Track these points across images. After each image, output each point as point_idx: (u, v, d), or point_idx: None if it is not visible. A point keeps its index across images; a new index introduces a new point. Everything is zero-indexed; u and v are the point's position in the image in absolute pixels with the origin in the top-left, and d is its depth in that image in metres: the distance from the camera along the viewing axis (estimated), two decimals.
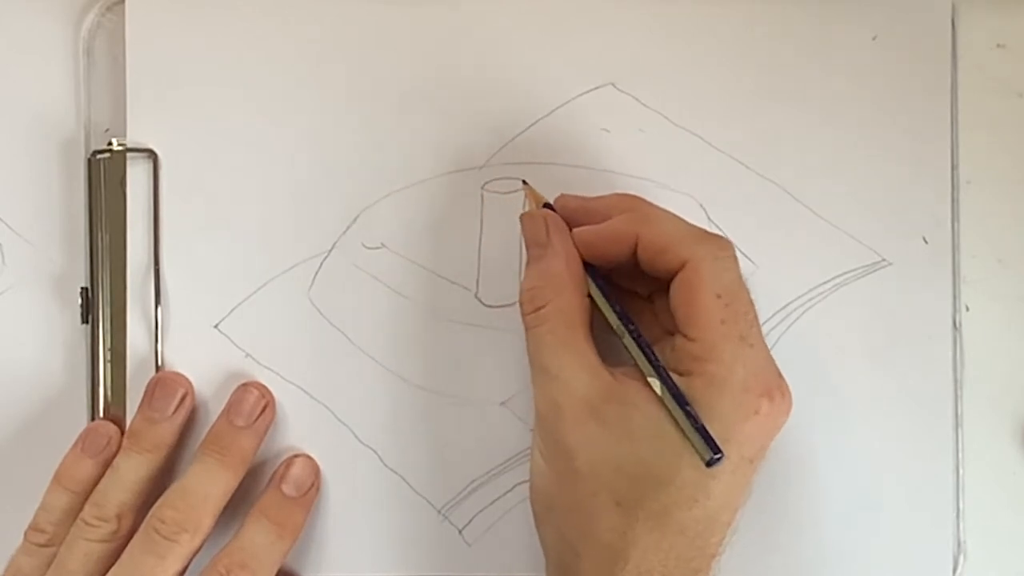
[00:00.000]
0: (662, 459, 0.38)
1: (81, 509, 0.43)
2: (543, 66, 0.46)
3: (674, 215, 0.41)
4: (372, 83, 0.46)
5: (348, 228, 0.46)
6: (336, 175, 0.46)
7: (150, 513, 0.42)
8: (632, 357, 0.39)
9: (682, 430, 0.37)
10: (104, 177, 0.46)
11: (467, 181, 0.46)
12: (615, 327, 0.40)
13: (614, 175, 0.46)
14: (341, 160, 0.46)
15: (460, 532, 0.45)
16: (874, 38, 0.46)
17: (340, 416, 0.45)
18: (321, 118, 0.46)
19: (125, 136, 0.45)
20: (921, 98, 0.46)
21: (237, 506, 0.43)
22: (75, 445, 0.44)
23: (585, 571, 0.38)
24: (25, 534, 0.43)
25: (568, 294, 0.40)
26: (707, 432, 0.37)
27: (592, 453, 0.38)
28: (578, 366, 0.39)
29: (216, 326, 0.45)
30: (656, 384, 0.38)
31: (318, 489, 0.45)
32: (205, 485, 0.42)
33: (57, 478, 0.43)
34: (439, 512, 0.45)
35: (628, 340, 0.40)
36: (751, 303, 0.39)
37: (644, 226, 0.40)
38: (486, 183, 0.46)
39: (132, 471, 0.43)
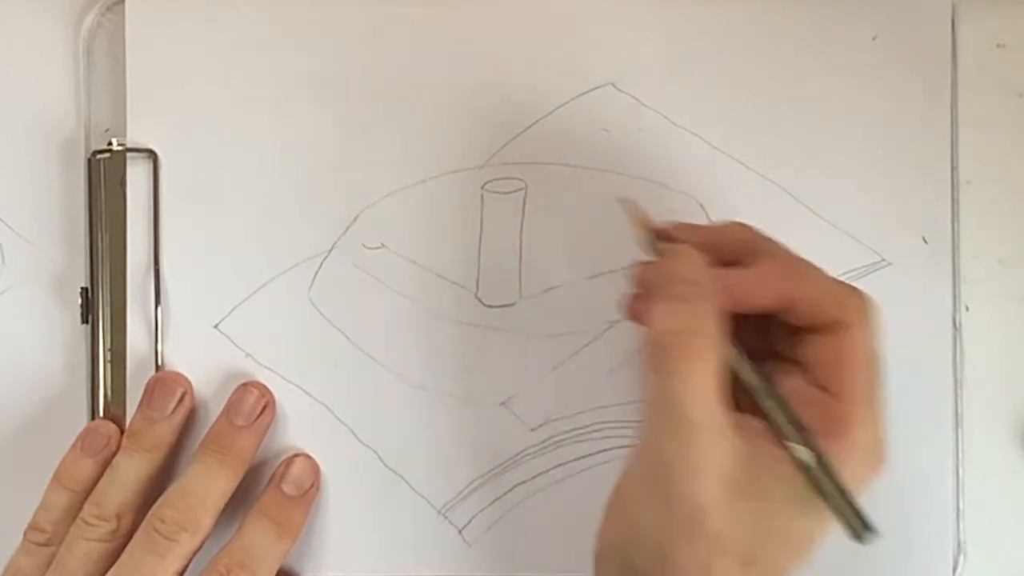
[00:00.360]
0: (798, 523, 0.36)
1: (81, 508, 0.43)
2: (543, 66, 0.46)
3: (814, 266, 0.38)
4: (372, 83, 0.46)
5: (348, 228, 0.46)
6: (336, 175, 0.46)
7: (150, 513, 0.42)
8: (771, 419, 0.37)
9: (827, 499, 0.36)
10: (104, 177, 0.46)
11: (467, 181, 0.46)
12: (753, 386, 0.37)
13: (614, 175, 0.46)
14: (341, 160, 0.46)
15: (460, 532, 0.45)
16: (874, 38, 0.46)
17: (340, 416, 0.45)
18: (321, 118, 0.46)
19: (125, 136, 0.45)
20: (921, 98, 0.46)
21: (237, 506, 0.43)
22: (75, 444, 0.44)
23: None
24: (25, 533, 0.43)
25: (721, 341, 0.37)
26: (860, 509, 0.35)
27: (725, 516, 0.35)
28: (722, 420, 0.36)
29: (216, 326, 0.45)
30: (804, 453, 0.36)
31: (318, 488, 0.45)
32: (205, 485, 0.42)
33: (57, 477, 0.44)
34: (439, 512, 0.45)
35: (769, 402, 0.37)
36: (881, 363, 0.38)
37: (798, 283, 0.38)
38: (486, 183, 0.46)
39: (131, 471, 0.43)
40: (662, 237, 0.40)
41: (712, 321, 0.37)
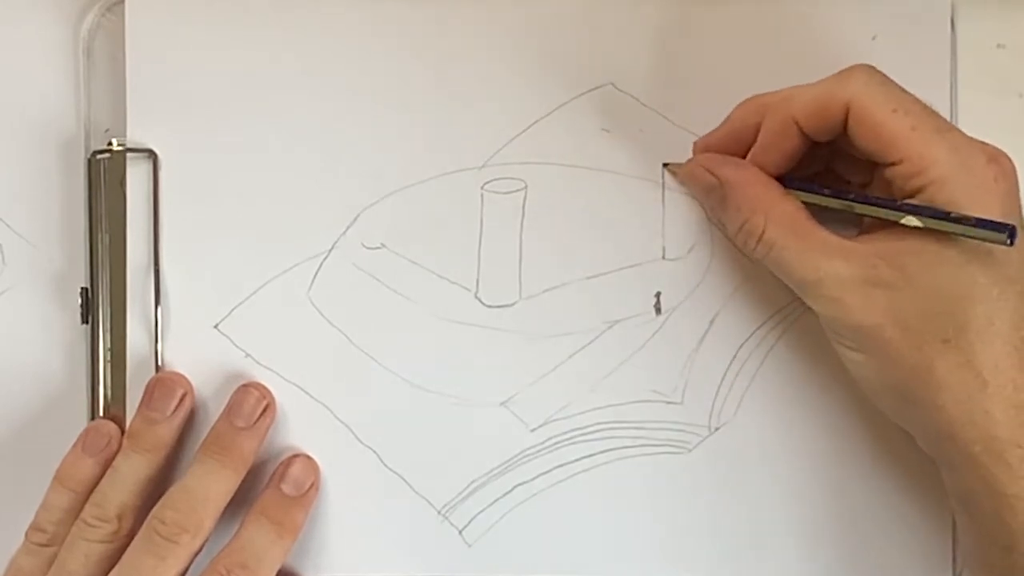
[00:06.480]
0: (952, 279, 0.38)
1: (82, 509, 0.43)
2: (543, 66, 0.46)
3: (800, 86, 0.41)
4: (372, 83, 0.46)
5: (348, 228, 0.46)
6: (336, 175, 0.46)
7: (151, 514, 0.42)
8: (867, 221, 0.40)
9: (961, 239, 0.37)
10: (104, 177, 0.46)
11: (467, 181, 0.46)
12: (836, 206, 0.40)
13: (614, 175, 0.46)
14: (341, 160, 0.46)
15: (460, 532, 0.45)
16: (874, 38, 0.46)
17: (340, 416, 0.45)
18: (321, 118, 0.46)
19: (125, 136, 0.45)
20: (921, 98, 0.46)
21: (237, 506, 0.43)
22: (76, 444, 0.44)
23: (954, 411, 0.38)
24: (26, 534, 0.43)
25: (776, 205, 0.40)
26: (986, 220, 0.37)
27: (895, 315, 0.38)
28: (831, 255, 0.39)
29: (216, 326, 0.45)
30: (911, 219, 0.38)
31: (317, 488, 0.45)
32: (206, 486, 0.42)
33: (58, 477, 0.44)
34: (439, 512, 0.45)
35: (859, 207, 0.40)
36: (920, 100, 0.39)
37: (780, 107, 0.41)
38: (486, 183, 0.46)
39: (132, 471, 0.43)
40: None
41: (755, 197, 0.41)
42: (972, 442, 0.38)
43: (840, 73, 0.40)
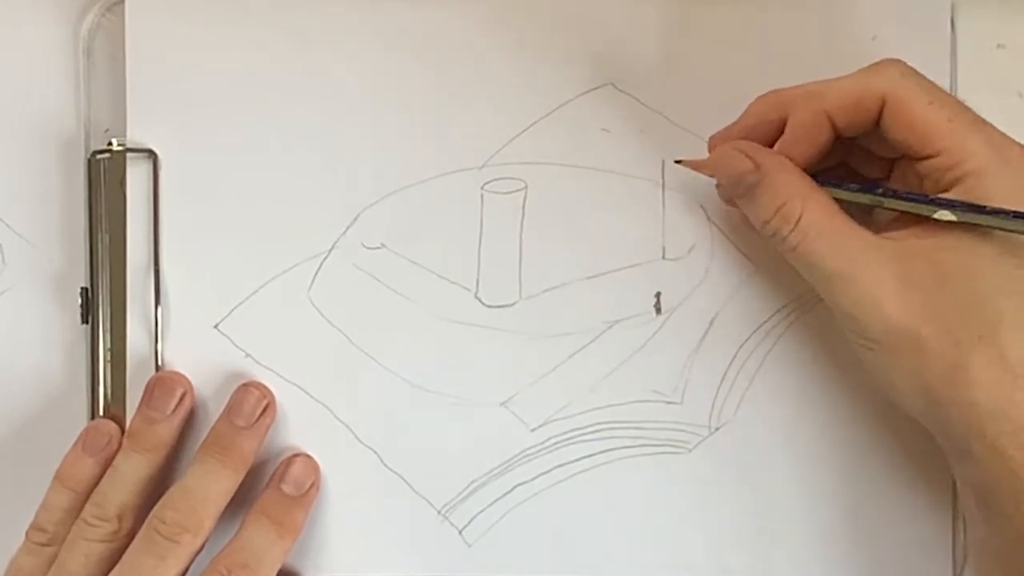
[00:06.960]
0: (987, 274, 0.38)
1: (82, 509, 0.43)
2: (543, 66, 0.46)
3: (827, 80, 0.41)
4: (372, 83, 0.46)
5: (348, 228, 0.46)
6: (336, 175, 0.46)
7: (151, 514, 0.42)
8: (885, 218, 0.40)
9: (996, 233, 0.37)
10: (104, 177, 0.46)
11: (467, 181, 0.46)
12: (867, 201, 0.40)
13: (614, 175, 0.46)
14: (341, 160, 0.46)
15: (460, 532, 0.45)
16: (874, 38, 0.46)
17: (340, 416, 0.46)
18: (321, 118, 0.46)
19: (125, 136, 0.45)
20: None
21: (237, 506, 0.43)
22: (76, 444, 0.44)
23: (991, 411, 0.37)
24: (26, 533, 0.43)
25: (812, 193, 0.40)
26: (1022, 212, 0.37)
27: (931, 313, 0.38)
28: (867, 249, 0.39)
29: (216, 326, 0.45)
30: (945, 214, 0.38)
31: (318, 488, 0.45)
32: (206, 485, 0.42)
33: (58, 477, 0.44)
34: (439, 512, 0.45)
35: (889, 201, 0.39)
36: (951, 94, 0.39)
37: (810, 101, 0.40)
38: (486, 183, 0.46)
39: (132, 471, 0.43)
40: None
41: (793, 182, 0.40)
42: (1000, 434, 0.37)
43: (872, 66, 0.40)
